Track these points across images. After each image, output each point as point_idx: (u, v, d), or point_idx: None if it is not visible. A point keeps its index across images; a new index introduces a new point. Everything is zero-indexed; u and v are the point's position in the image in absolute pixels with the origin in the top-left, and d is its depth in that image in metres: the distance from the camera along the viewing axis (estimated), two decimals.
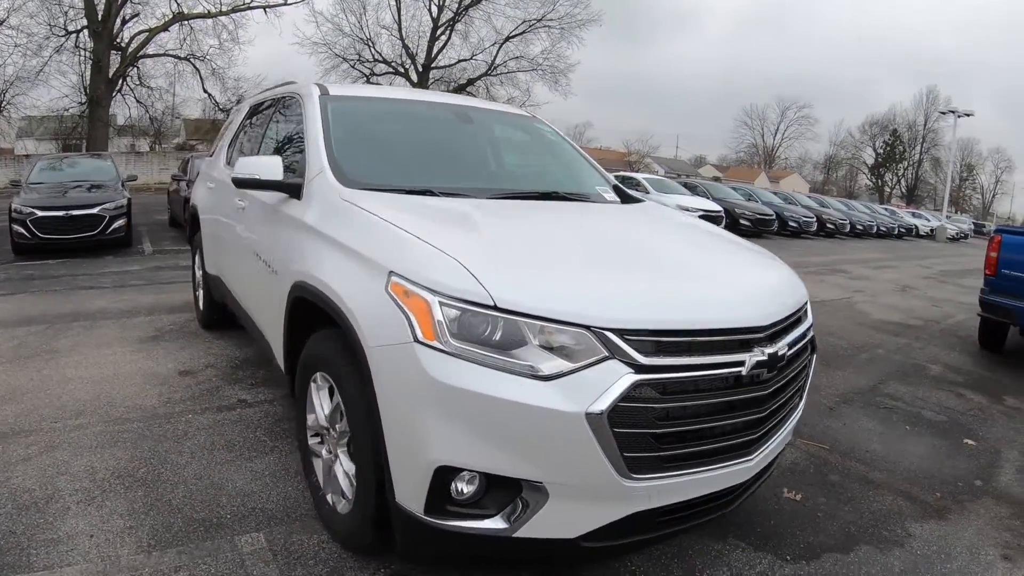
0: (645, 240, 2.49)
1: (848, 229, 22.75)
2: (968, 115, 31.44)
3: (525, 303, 1.66)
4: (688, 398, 1.76)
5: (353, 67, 28.89)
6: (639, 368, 1.67)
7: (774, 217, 18.57)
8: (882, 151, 61.87)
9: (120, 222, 8.55)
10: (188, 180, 9.97)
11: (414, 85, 28.04)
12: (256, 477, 2.74)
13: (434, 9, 27.77)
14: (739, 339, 1.87)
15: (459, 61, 28.27)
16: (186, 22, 24.36)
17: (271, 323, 2.80)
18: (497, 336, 1.66)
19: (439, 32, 27.94)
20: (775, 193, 24.78)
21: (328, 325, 2.19)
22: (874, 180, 63.09)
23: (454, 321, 1.68)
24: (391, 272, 1.84)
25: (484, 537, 1.73)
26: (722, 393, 1.84)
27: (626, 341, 1.67)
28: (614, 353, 1.66)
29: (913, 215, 33.11)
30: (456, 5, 27.49)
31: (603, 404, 1.62)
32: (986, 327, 6.32)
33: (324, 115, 2.90)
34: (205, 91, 26.76)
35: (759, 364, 1.89)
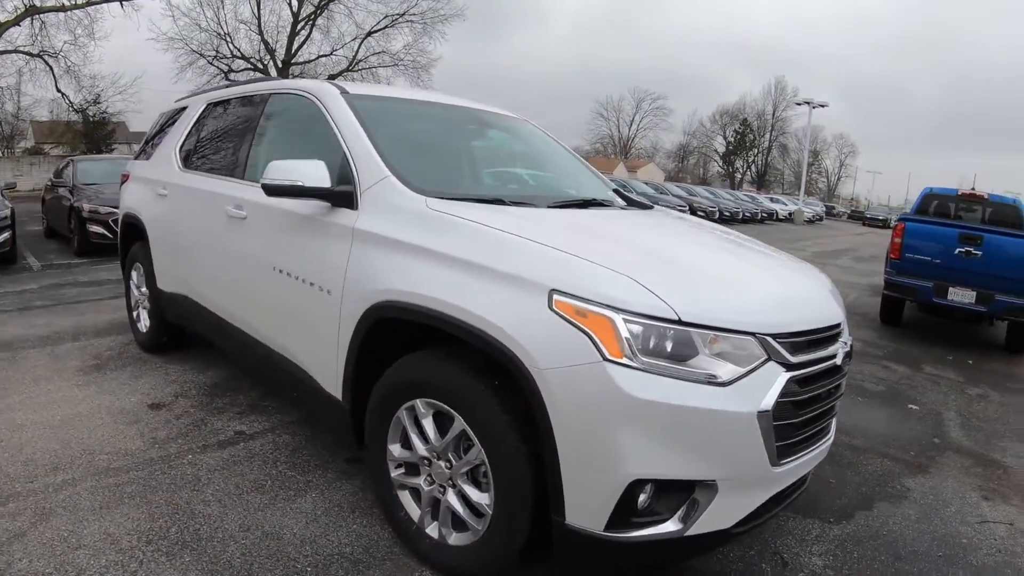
0: (728, 247, 2.53)
1: (717, 216, 24.02)
2: (823, 105, 34.44)
3: (703, 315, 1.72)
4: (814, 388, 1.95)
5: (210, 63, 27.17)
6: (789, 367, 1.83)
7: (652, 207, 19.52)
8: (732, 139, 64.87)
9: (5, 235, 7.24)
10: (72, 187, 8.68)
11: None
12: (310, 519, 2.45)
13: (294, 3, 26.50)
14: (833, 334, 2.11)
15: (319, 56, 27.38)
16: (38, 16, 21.13)
17: (315, 347, 2.50)
18: (674, 348, 1.70)
19: (299, 27, 26.75)
20: (646, 183, 26.18)
21: (435, 345, 2.06)
22: (725, 167, 65.95)
23: (638, 337, 1.67)
24: (553, 290, 1.75)
25: (658, 542, 1.76)
26: (828, 382, 2.05)
27: (780, 343, 1.83)
28: (771, 355, 1.80)
29: (772, 200, 36.23)
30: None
31: (769, 402, 1.75)
32: (887, 304, 7.15)
33: (359, 117, 2.61)
34: (59, 90, 23.63)
35: (844, 355, 2.14)
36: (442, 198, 2.24)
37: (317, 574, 2.12)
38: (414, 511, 2.19)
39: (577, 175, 3.33)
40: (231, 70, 27.52)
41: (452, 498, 2.06)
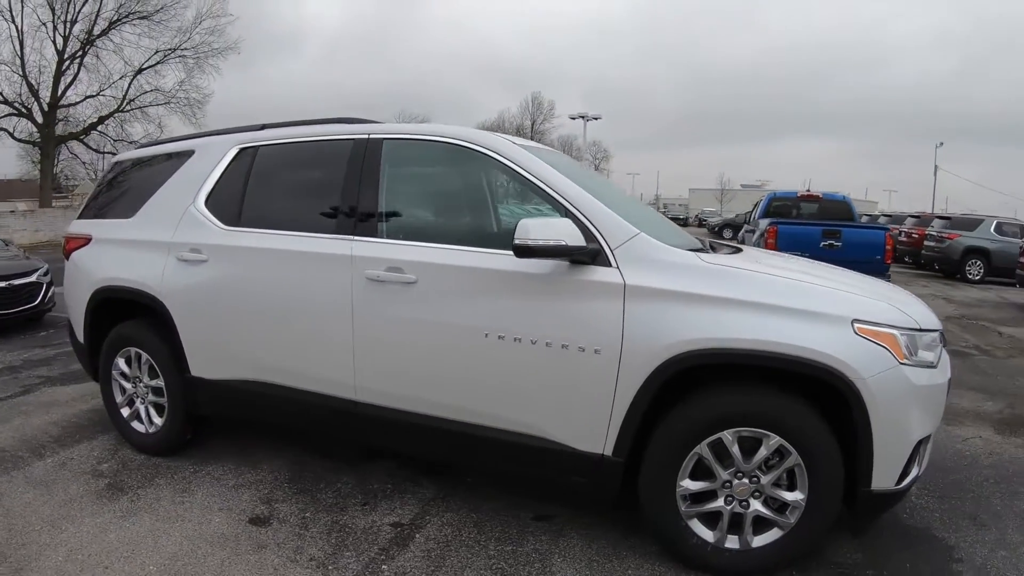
0: (851, 273, 2.94)
1: None
2: (596, 118, 37.51)
3: (923, 322, 2.29)
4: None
5: None
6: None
7: None
8: None
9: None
10: None
11: (39, 126, 22.49)
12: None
13: (59, 40, 22.29)
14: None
15: (87, 97, 23.69)
16: None
17: (567, 408, 2.37)
18: (919, 347, 2.24)
19: (65, 66, 22.65)
20: None
21: (756, 383, 2.28)
22: None
23: (906, 344, 2.20)
24: (854, 319, 2.17)
25: (908, 487, 2.29)
26: None
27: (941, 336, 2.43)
28: (943, 342, 2.44)
29: None
30: (84, 35, 22.57)
31: (948, 372, 2.40)
32: None
33: (562, 171, 2.55)
34: None
35: None
36: (691, 250, 2.44)
37: None
38: (706, 534, 2.32)
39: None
40: None
41: (758, 506, 2.28)
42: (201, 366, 3.05)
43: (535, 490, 2.96)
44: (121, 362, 3.34)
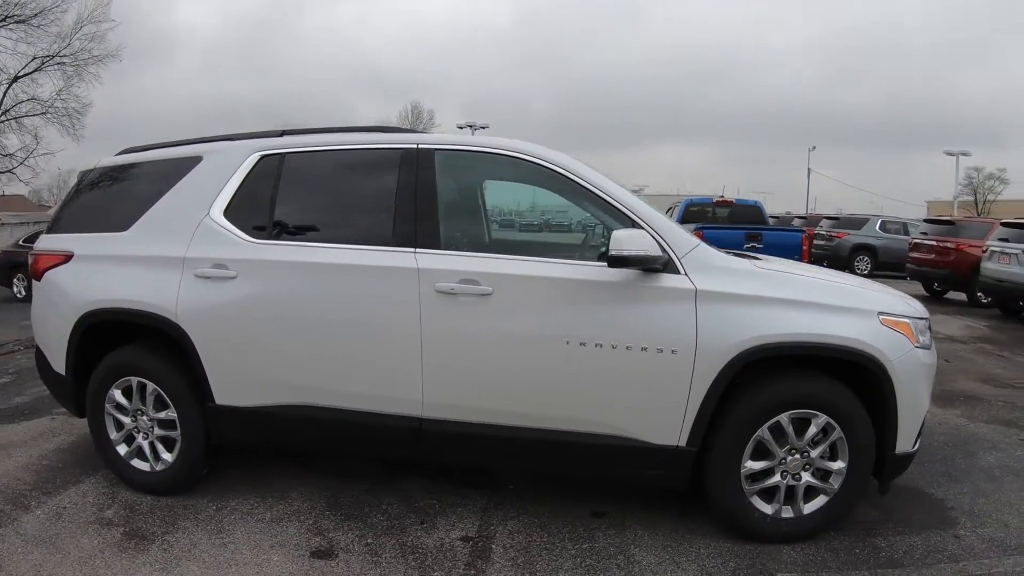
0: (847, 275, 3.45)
1: None
2: (484, 127, 38.33)
3: (922, 314, 2.74)
4: None
5: None
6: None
7: None
8: None
9: None
10: None
11: None
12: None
13: None
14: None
15: None
16: None
17: (643, 406, 2.52)
18: (923, 333, 2.67)
19: None
20: None
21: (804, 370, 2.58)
22: None
23: (916, 330, 2.61)
24: (879, 312, 2.56)
25: (918, 449, 2.71)
26: None
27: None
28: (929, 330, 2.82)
29: None
30: None
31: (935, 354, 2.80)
32: None
33: (620, 185, 2.71)
34: None
35: None
36: (734, 255, 2.74)
37: None
38: (766, 508, 2.58)
39: None
40: None
41: (808, 477, 2.57)
42: (229, 393, 2.77)
43: (576, 490, 3.05)
44: (117, 394, 2.93)
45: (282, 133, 2.99)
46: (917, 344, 2.57)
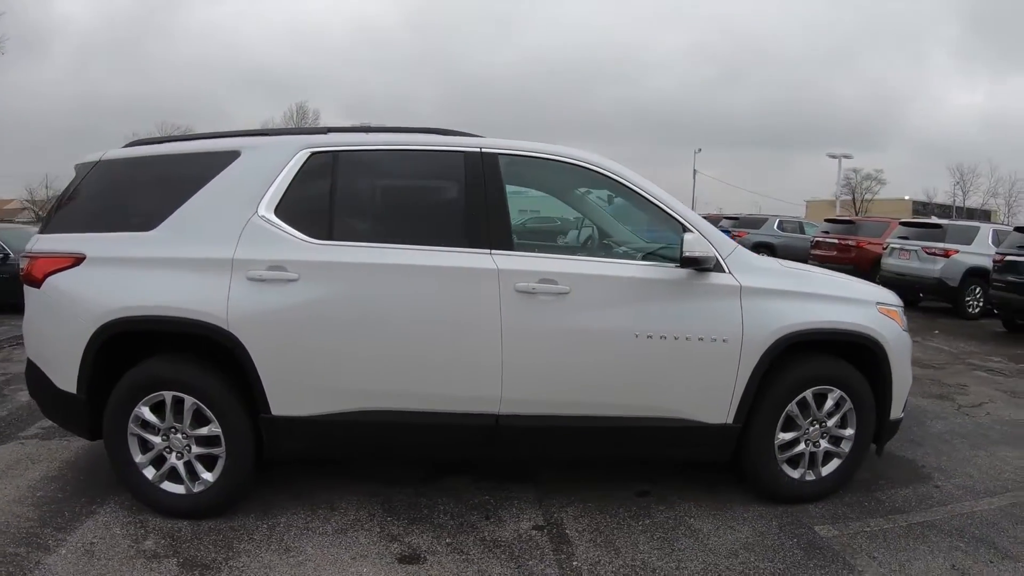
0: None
1: None
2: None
3: (901, 303, 3.23)
4: None
5: None
6: None
7: None
8: None
9: None
10: None
11: None
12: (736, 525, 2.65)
13: None
14: None
15: None
16: None
17: (698, 389, 2.78)
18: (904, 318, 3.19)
19: None
20: None
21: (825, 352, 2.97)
22: None
23: (902, 316, 3.13)
24: (877, 302, 3.07)
25: (904, 415, 3.20)
26: None
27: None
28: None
29: None
30: None
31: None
32: None
33: (662, 190, 2.91)
34: None
35: None
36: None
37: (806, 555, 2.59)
38: (793, 473, 2.94)
39: None
40: None
41: (825, 444, 2.96)
42: (288, 403, 2.61)
43: (612, 474, 3.25)
44: (145, 411, 2.62)
45: (327, 130, 2.85)
46: (903, 328, 3.10)
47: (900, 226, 10.89)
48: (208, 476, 2.66)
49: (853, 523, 2.81)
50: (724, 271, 2.78)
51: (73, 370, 2.61)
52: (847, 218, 15.36)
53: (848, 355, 2.98)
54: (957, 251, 9.29)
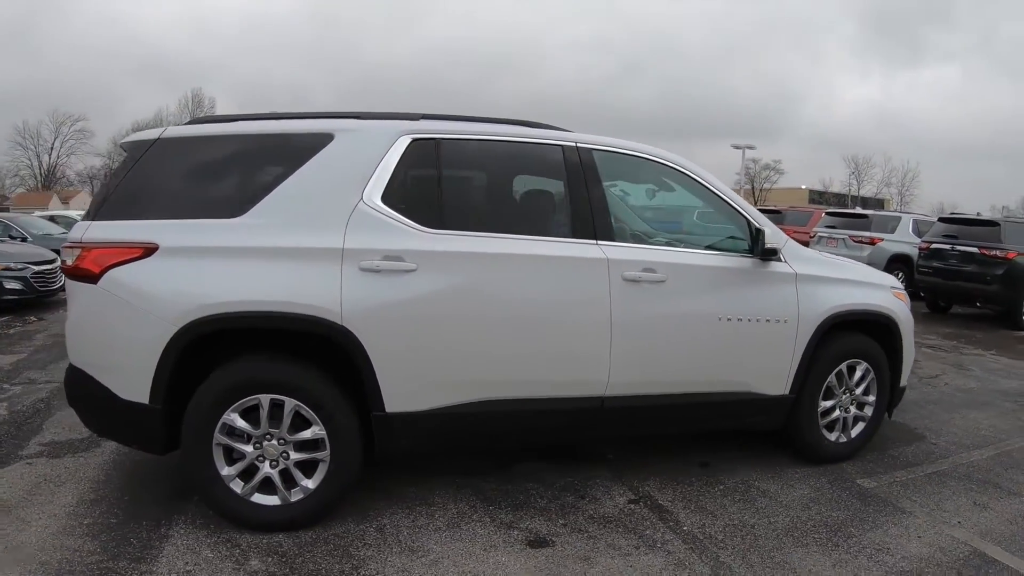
0: None
1: None
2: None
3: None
4: None
5: None
6: None
7: None
8: None
9: None
10: None
11: None
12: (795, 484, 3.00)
13: None
14: None
15: None
16: None
17: (764, 366, 3.03)
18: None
19: None
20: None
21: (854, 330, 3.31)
22: None
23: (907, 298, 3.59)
24: (891, 286, 3.50)
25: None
26: None
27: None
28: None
29: None
30: None
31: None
32: None
33: (729, 188, 3.14)
34: None
35: None
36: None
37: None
38: (831, 436, 3.31)
39: None
40: None
41: (854, 410, 3.37)
42: (404, 398, 2.45)
43: (670, 447, 3.44)
44: (236, 418, 2.32)
45: (420, 117, 2.68)
46: (909, 307, 3.58)
47: (826, 216, 11.74)
48: (308, 483, 2.43)
49: (883, 476, 3.24)
50: (781, 260, 3.05)
51: (146, 377, 2.24)
52: (774, 207, 15.83)
53: (870, 332, 3.38)
54: (882, 239, 10.14)
